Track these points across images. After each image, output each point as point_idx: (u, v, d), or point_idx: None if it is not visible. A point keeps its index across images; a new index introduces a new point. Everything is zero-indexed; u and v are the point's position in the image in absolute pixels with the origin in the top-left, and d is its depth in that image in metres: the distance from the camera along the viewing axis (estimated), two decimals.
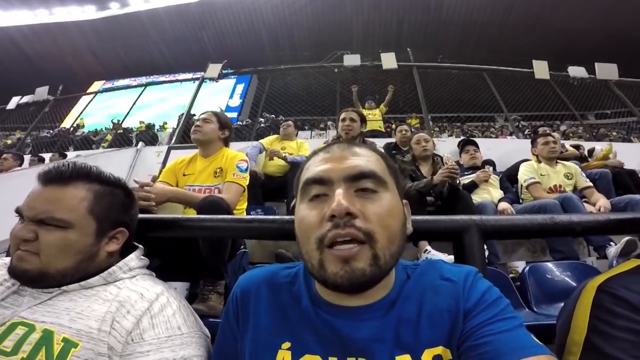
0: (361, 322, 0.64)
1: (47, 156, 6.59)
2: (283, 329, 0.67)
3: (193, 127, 2.30)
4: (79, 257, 0.82)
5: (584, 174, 3.31)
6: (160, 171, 5.42)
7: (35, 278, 0.79)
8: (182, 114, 7.38)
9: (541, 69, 6.94)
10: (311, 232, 0.62)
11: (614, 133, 8.60)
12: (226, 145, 2.38)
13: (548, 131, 4.33)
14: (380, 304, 0.65)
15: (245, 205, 2.35)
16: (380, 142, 4.73)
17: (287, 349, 0.65)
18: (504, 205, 3.02)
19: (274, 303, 0.70)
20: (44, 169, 0.86)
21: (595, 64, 7.01)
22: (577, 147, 4.89)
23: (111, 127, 9.84)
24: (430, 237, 1.40)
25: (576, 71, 7.13)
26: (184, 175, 2.26)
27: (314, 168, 0.67)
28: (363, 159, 0.67)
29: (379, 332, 0.63)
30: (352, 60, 7.33)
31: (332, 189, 0.63)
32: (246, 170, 2.21)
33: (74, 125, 10.28)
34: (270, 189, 3.80)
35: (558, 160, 3.39)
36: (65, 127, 9.93)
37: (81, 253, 0.82)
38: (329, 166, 0.66)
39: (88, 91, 14.02)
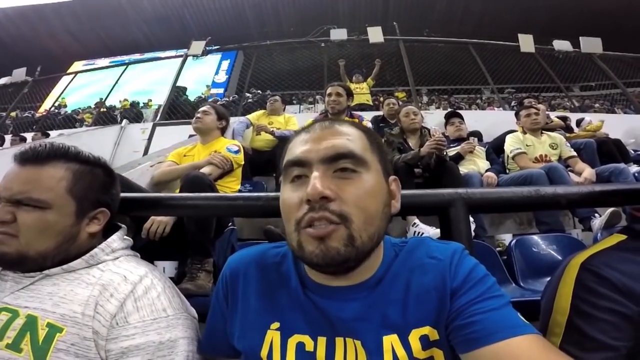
0: (347, 302, 0.64)
1: (29, 136, 6.48)
2: (272, 310, 0.67)
3: (194, 118, 2.58)
4: (59, 239, 0.79)
5: (568, 144, 3.36)
6: (146, 148, 5.42)
7: (14, 261, 0.77)
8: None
9: (526, 43, 6.97)
10: (291, 215, 0.62)
11: (597, 105, 8.68)
12: (222, 134, 2.65)
13: (533, 103, 4.37)
14: (367, 284, 0.65)
15: (237, 187, 2.51)
16: (368, 115, 4.73)
17: (276, 329, 0.65)
18: (488, 173, 3.09)
19: (263, 283, 0.70)
20: (20, 150, 0.83)
21: (580, 37, 7.05)
22: (563, 118, 4.94)
23: (93, 106, 9.64)
24: (417, 211, 1.40)
25: (561, 45, 7.16)
26: (184, 156, 2.56)
27: (295, 150, 0.66)
28: (343, 138, 0.65)
29: (364, 311, 0.63)
30: (338, 34, 7.23)
31: (311, 170, 0.62)
32: (236, 152, 2.44)
33: (56, 105, 10.05)
34: (259, 163, 3.79)
35: (543, 131, 3.43)
36: (46, 109, 9.70)
37: (61, 234, 0.80)
38: (308, 147, 0.64)
39: (68, 71, 13.60)
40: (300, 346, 0.63)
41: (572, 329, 0.66)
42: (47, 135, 6.46)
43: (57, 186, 0.80)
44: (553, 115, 5.09)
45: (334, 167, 0.62)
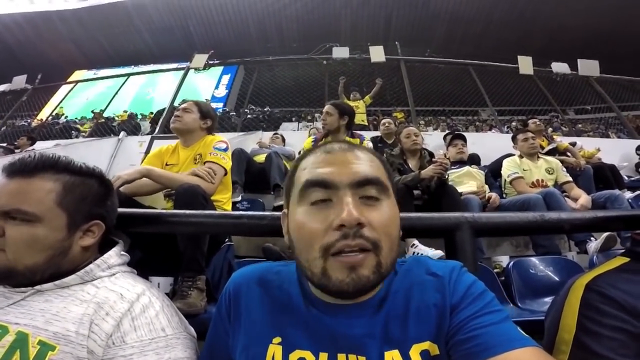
0: (352, 320, 0.64)
1: None
2: (274, 325, 0.67)
3: (173, 116, 2.22)
4: (50, 253, 0.77)
5: (564, 169, 3.37)
6: (143, 161, 5.39)
7: (2, 275, 0.75)
8: (163, 109, 7.26)
9: (525, 65, 7.05)
10: (315, 241, 0.60)
11: (590, 131, 8.77)
12: (210, 134, 2.28)
13: (538, 123, 4.44)
14: (372, 301, 0.65)
15: (228, 194, 2.23)
16: (366, 136, 4.74)
17: (278, 344, 0.65)
18: (492, 194, 3.11)
19: (266, 299, 0.70)
20: (9, 161, 0.81)
21: (578, 60, 7.14)
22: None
23: (92, 116, 9.65)
24: (422, 234, 1.40)
25: (559, 67, 7.25)
26: (166, 165, 2.19)
27: (316, 170, 0.64)
28: (367, 163, 0.65)
29: (369, 328, 0.63)
30: (340, 52, 7.32)
31: (338, 194, 0.61)
32: (225, 150, 2.12)
33: (53, 114, 10.04)
34: (252, 172, 3.80)
35: (539, 155, 3.46)
36: (41, 119, 9.66)
37: (52, 248, 0.77)
38: (332, 169, 0.63)
39: (68, 80, 13.65)
40: None
41: (579, 346, 0.67)
42: (34, 140, 6.43)
43: (45, 198, 0.78)
44: (558, 138, 5.13)
45: (360, 193, 0.61)
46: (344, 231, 0.57)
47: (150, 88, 14.74)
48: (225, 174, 2.09)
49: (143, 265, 1.45)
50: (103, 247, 0.88)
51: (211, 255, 1.85)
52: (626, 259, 0.78)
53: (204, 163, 2.04)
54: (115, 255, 0.86)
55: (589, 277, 0.74)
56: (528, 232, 1.82)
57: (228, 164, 2.10)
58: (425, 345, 0.61)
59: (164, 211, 1.07)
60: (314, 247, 0.59)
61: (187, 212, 0.99)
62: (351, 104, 6.02)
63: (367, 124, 6.70)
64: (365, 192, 0.62)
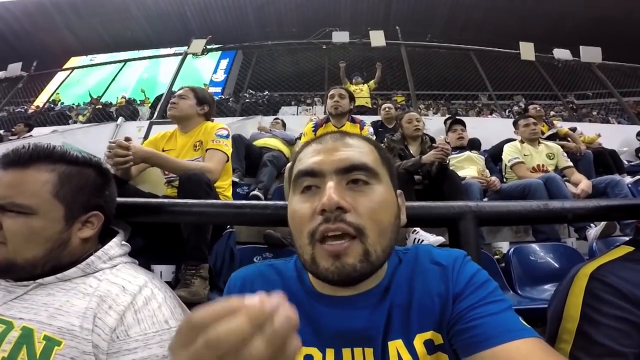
0: (357, 311, 0.64)
1: None
2: None
3: (169, 103, 2.19)
4: (49, 245, 0.76)
5: (565, 154, 3.37)
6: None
7: (2, 269, 0.74)
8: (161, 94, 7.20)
9: (527, 51, 7.01)
10: (303, 227, 0.61)
11: (594, 113, 8.74)
12: (207, 119, 2.25)
13: (538, 108, 4.41)
14: (375, 291, 0.65)
15: (229, 180, 2.23)
16: (367, 119, 4.72)
17: None
18: (494, 177, 3.15)
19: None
20: (3, 153, 0.79)
21: (580, 47, 7.10)
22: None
23: (89, 101, 9.55)
24: (426, 223, 1.41)
25: (561, 53, 7.21)
26: (163, 150, 2.15)
27: (306, 160, 0.65)
28: (355, 150, 0.65)
29: (374, 319, 0.63)
30: (340, 37, 7.25)
31: (324, 181, 0.61)
32: (227, 137, 2.10)
33: (50, 100, 9.93)
34: (252, 157, 3.80)
35: (540, 141, 3.46)
36: (37, 105, 9.56)
37: (50, 241, 0.76)
38: (320, 158, 0.64)
39: (64, 67, 13.49)
40: (308, 359, 0.63)
41: (582, 336, 0.68)
42: (31, 127, 6.36)
43: (41, 190, 0.77)
44: (558, 124, 5.11)
45: (347, 179, 0.62)
46: (325, 215, 0.58)
47: (152, 73, 14.57)
48: (227, 160, 2.07)
49: (145, 252, 1.45)
50: (103, 237, 0.87)
51: (213, 242, 1.85)
52: (630, 248, 0.78)
53: (206, 150, 2.03)
54: (115, 246, 0.85)
55: (593, 266, 0.74)
56: (532, 222, 1.81)
57: (229, 150, 2.09)
58: (429, 334, 0.61)
59: (165, 200, 1.05)
60: (303, 233, 0.60)
61: (189, 201, 0.98)
62: (353, 88, 6.00)
63: (370, 106, 6.66)
64: (352, 177, 0.62)
